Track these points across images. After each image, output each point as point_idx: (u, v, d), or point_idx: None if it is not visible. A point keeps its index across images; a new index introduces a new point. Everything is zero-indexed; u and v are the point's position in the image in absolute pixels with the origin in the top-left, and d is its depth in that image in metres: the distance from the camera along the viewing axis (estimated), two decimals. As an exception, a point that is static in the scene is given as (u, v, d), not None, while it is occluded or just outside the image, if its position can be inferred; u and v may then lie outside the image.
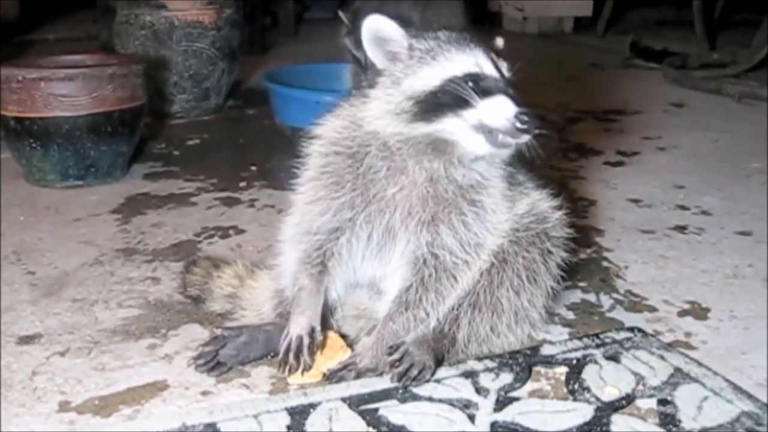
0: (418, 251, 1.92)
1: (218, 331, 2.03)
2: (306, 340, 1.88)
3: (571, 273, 2.11)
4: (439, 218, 1.89)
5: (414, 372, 1.85)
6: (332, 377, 1.91)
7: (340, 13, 4.07)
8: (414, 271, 1.93)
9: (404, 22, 3.88)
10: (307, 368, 1.88)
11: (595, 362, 1.98)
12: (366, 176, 1.91)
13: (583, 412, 1.79)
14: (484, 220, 1.92)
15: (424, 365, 1.87)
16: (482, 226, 1.92)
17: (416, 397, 1.83)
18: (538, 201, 2.06)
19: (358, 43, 3.92)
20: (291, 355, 1.88)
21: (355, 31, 3.96)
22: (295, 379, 1.90)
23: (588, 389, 1.87)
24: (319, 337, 1.91)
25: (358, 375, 1.91)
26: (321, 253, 1.96)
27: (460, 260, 1.93)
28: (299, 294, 1.94)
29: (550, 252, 2.03)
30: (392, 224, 1.92)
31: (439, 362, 1.93)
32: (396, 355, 1.88)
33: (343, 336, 2.08)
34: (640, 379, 1.91)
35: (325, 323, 2.02)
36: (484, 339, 1.99)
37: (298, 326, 1.90)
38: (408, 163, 1.87)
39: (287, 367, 1.87)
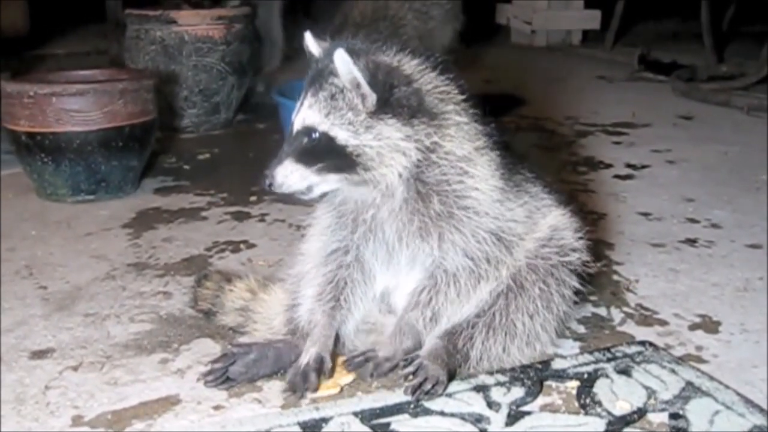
0: (426, 261, 1.98)
1: (228, 348, 2.05)
2: (313, 365, 1.94)
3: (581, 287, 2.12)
4: (425, 230, 1.93)
5: (428, 386, 1.87)
6: (351, 363, 1.97)
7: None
8: (426, 277, 1.99)
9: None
10: (313, 390, 1.92)
11: (607, 376, 1.98)
12: (354, 203, 2.00)
13: (595, 427, 1.79)
14: (469, 226, 1.93)
15: (438, 380, 1.88)
16: (468, 231, 1.93)
17: (428, 412, 1.84)
18: (561, 228, 2.07)
19: None
20: (298, 377, 1.92)
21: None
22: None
23: (599, 403, 1.87)
24: (328, 364, 1.96)
25: (377, 365, 1.95)
26: (334, 286, 2.04)
27: (460, 266, 1.96)
28: (313, 330, 2.02)
29: (566, 281, 2.06)
30: (388, 241, 1.98)
31: (451, 377, 1.94)
32: (411, 368, 1.90)
33: (352, 351, 2.09)
34: (651, 393, 1.91)
35: (342, 348, 2.09)
36: (496, 358, 2.01)
37: (307, 355, 1.96)
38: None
39: (293, 389, 1.92)
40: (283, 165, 1.89)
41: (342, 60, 1.80)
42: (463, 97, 1.97)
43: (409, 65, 1.92)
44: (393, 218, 1.94)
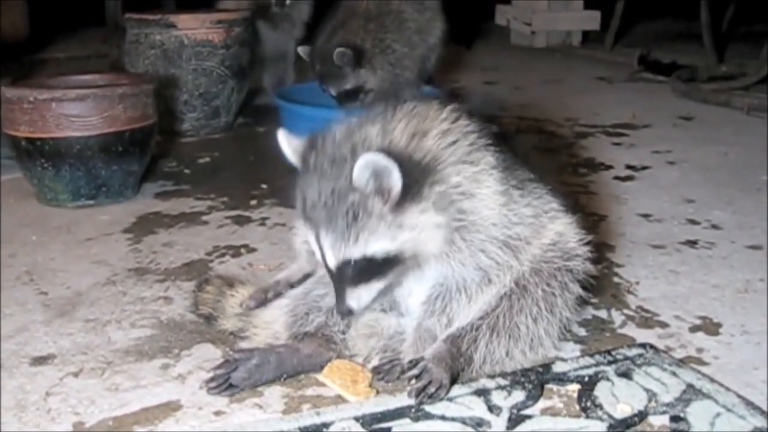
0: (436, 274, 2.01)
1: (230, 354, 2.05)
2: None
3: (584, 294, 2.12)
4: (439, 256, 1.95)
5: (431, 389, 1.87)
6: (378, 372, 2.00)
7: (300, 50, 4.26)
8: (438, 284, 2.02)
9: (356, 52, 4.09)
10: None
11: (608, 379, 1.99)
12: None
13: (596, 429, 1.79)
14: (479, 243, 1.94)
15: (441, 383, 1.88)
16: (478, 247, 1.94)
17: (429, 416, 1.84)
18: (567, 234, 2.08)
19: (321, 79, 4.16)
20: None
21: (312, 67, 4.17)
22: (353, 397, 1.93)
23: (600, 406, 1.87)
24: None
25: (402, 371, 1.96)
26: None
27: (469, 277, 1.98)
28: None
29: (569, 286, 2.06)
30: None
31: (453, 381, 1.94)
32: (415, 371, 1.90)
33: (353, 356, 2.10)
34: (652, 395, 1.91)
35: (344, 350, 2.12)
36: (499, 361, 2.00)
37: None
38: None
39: None
40: (348, 296, 1.90)
41: (372, 161, 1.77)
42: (447, 108, 1.98)
43: (392, 122, 1.92)
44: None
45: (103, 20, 7.69)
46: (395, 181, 1.78)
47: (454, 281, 1.99)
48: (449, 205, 1.88)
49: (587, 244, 2.10)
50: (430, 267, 1.98)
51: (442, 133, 1.91)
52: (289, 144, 1.98)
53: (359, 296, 1.91)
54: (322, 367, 2.05)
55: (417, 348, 2.00)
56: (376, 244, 1.84)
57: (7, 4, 6.45)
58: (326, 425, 1.80)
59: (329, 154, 1.87)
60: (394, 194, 1.80)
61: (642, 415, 1.84)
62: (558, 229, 2.07)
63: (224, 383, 1.97)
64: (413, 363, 1.93)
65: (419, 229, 1.86)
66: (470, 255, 1.94)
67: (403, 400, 1.89)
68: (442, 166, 1.88)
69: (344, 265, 1.87)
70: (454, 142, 1.91)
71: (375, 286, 1.91)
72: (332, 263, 1.88)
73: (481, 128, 2.00)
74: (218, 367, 2.01)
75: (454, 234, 1.91)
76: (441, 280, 2.00)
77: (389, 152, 1.80)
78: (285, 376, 2.02)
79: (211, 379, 1.98)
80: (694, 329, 2.28)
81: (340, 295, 1.92)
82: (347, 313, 1.94)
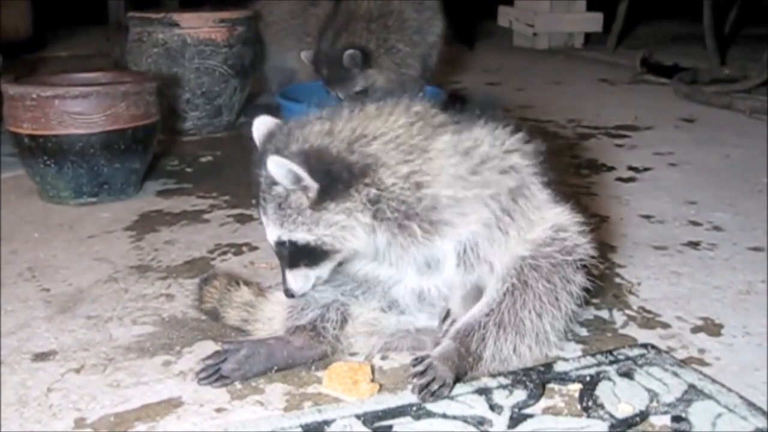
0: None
1: (221, 345, 2.07)
2: None
3: (584, 290, 2.12)
4: (419, 251, 2.00)
5: (435, 386, 1.87)
6: (414, 374, 1.94)
7: (303, 55, 4.29)
8: (458, 244, 2.02)
9: (363, 53, 4.13)
10: None
11: (609, 379, 1.98)
12: None
13: (597, 429, 1.79)
14: (453, 218, 1.96)
15: (445, 381, 1.89)
16: (455, 223, 1.97)
17: (430, 414, 1.84)
18: (564, 227, 2.08)
19: (329, 83, 4.19)
20: None
21: (319, 71, 4.20)
22: (350, 396, 1.93)
23: (602, 406, 1.87)
24: None
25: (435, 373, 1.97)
26: None
27: (473, 241, 2.01)
28: None
29: (572, 278, 2.06)
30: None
31: (457, 380, 1.94)
32: (420, 367, 1.91)
33: (353, 354, 2.10)
34: (653, 395, 1.91)
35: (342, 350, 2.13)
36: (506, 358, 2.01)
37: None
38: None
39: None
40: (287, 277, 2.02)
41: (278, 164, 1.86)
42: (410, 111, 2.01)
43: (343, 122, 1.98)
44: (387, 252, 2.02)
45: (106, 19, 7.70)
46: (309, 183, 1.87)
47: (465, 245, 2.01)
48: (380, 208, 1.92)
49: (586, 231, 2.11)
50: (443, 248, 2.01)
51: (391, 140, 1.94)
52: (258, 130, 2.14)
53: (297, 279, 2.01)
54: (313, 361, 2.07)
55: (466, 304, 2.04)
56: (296, 232, 1.94)
57: (9, 3, 6.46)
58: (327, 423, 1.81)
59: (275, 144, 2.00)
60: (311, 194, 1.89)
61: (643, 415, 1.84)
62: (553, 222, 2.08)
63: (214, 374, 1.99)
64: (419, 360, 1.93)
65: (337, 227, 1.92)
66: (456, 227, 1.97)
67: (404, 398, 1.90)
68: (382, 170, 1.91)
69: (279, 245, 1.98)
70: (397, 147, 1.93)
71: (311, 273, 2.01)
72: (271, 241, 2.01)
73: (455, 120, 2.03)
74: (208, 357, 2.04)
75: (397, 229, 1.94)
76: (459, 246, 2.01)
77: (307, 154, 1.89)
78: (276, 368, 2.03)
79: (202, 370, 2.00)
80: (695, 330, 2.28)
81: (282, 277, 2.03)
82: (289, 295, 2.03)
